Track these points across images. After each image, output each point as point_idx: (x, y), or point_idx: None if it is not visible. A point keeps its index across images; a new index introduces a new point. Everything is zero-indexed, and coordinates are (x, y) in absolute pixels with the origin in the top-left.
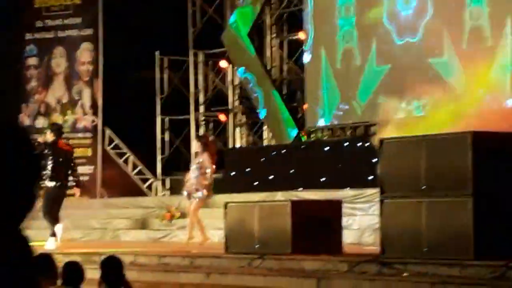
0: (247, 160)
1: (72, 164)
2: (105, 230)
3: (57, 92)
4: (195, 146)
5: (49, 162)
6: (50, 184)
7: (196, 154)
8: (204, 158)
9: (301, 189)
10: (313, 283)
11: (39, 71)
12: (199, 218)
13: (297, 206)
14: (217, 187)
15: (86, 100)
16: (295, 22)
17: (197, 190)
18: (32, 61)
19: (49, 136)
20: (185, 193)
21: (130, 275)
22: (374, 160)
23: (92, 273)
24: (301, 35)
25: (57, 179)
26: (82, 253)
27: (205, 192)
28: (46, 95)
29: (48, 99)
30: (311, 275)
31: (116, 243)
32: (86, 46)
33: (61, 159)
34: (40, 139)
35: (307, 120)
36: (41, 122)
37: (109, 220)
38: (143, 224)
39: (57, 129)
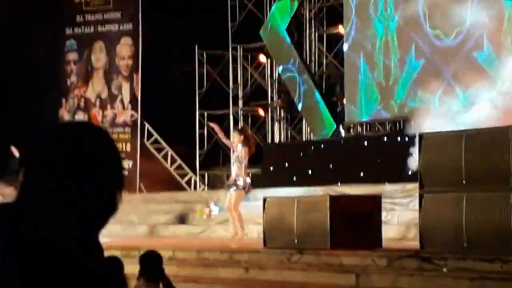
0: (286, 155)
1: None
2: (144, 225)
3: (96, 87)
4: (233, 138)
5: None
6: None
7: (233, 146)
8: (242, 151)
9: (339, 184)
10: (352, 278)
11: (79, 66)
12: (240, 212)
13: (336, 201)
14: (256, 182)
15: (126, 95)
16: (335, 15)
17: (236, 183)
18: (72, 56)
19: None
20: (230, 188)
21: (169, 269)
22: (413, 155)
23: (132, 268)
24: (340, 29)
25: None
26: (121, 248)
27: (244, 184)
28: (86, 90)
29: (88, 94)
30: (350, 270)
31: (155, 238)
32: (126, 41)
33: None
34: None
35: (346, 115)
36: (80, 117)
37: (148, 215)
38: (182, 219)
39: None
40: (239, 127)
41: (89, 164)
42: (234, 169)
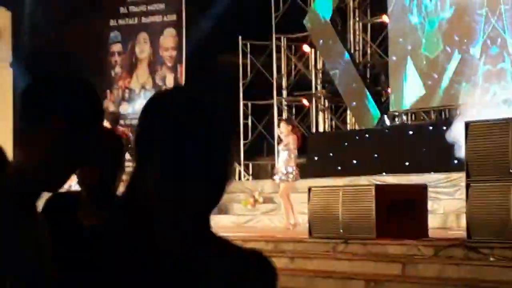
0: (331, 145)
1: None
2: None
3: (141, 78)
4: (281, 128)
5: None
6: None
7: (280, 137)
8: (290, 141)
9: (384, 173)
10: (398, 267)
11: (123, 57)
12: (291, 201)
13: (381, 190)
14: (301, 171)
15: (170, 85)
16: (379, 4)
17: (286, 173)
18: (116, 47)
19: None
20: (276, 177)
21: None
22: (459, 144)
23: None
24: (384, 18)
25: None
26: None
27: (294, 173)
28: (130, 81)
29: (132, 85)
30: (396, 260)
31: None
32: (169, 32)
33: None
34: None
35: (391, 104)
36: (125, 108)
37: None
38: (226, 209)
39: (113, 119)
40: (285, 117)
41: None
42: (281, 159)
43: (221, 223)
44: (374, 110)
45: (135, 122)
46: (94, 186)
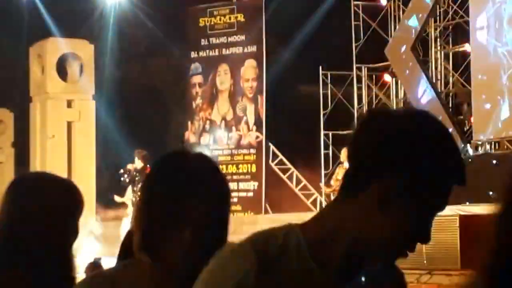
0: None
1: None
2: None
3: (221, 109)
4: (344, 156)
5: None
6: None
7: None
8: None
9: (468, 203)
10: None
11: (204, 88)
12: None
13: (466, 220)
14: None
15: (250, 116)
16: (461, 33)
17: None
18: (197, 79)
19: (138, 163)
20: None
21: None
22: None
23: None
24: (466, 47)
25: None
26: None
27: None
28: (211, 112)
29: (213, 116)
30: None
31: None
32: (250, 63)
33: None
34: (130, 166)
35: (474, 133)
36: (206, 139)
37: None
38: None
39: (143, 156)
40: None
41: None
42: None
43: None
44: (456, 140)
45: (215, 153)
46: None
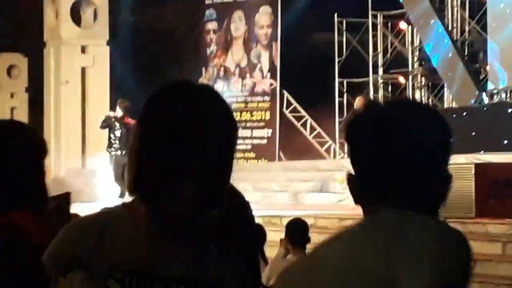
0: None
1: None
2: (285, 192)
3: (236, 56)
4: (359, 104)
5: (117, 134)
6: (117, 152)
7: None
8: None
9: (483, 152)
10: (498, 247)
11: (218, 35)
12: None
13: (481, 168)
14: None
15: (265, 63)
16: None
17: None
18: (212, 25)
19: (118, 112)
20: None
21: (311, 238)
22: None
23: (273, 235)
24: None
25: (122, 149)
26: (263, 216)
27: None
28: (225, 59)
29: (227, 63)
30: (496, 239)
31: (295, 206)
32: (265, 10)
33: (125, 132)
34: (111, 113)
35: (490, 82)
36: (220, 86)
37: (288, 183)
38: (322, 187)
39: (125, 107)
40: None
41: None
42: None
43: (317, 201)
44: (472, 88)
45: (229, 100)
46: None
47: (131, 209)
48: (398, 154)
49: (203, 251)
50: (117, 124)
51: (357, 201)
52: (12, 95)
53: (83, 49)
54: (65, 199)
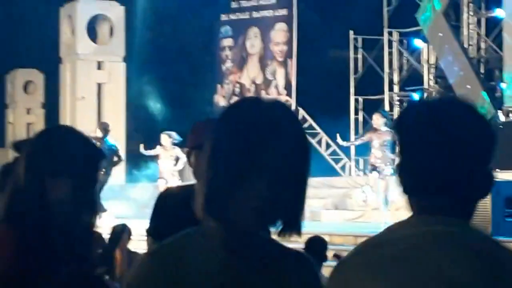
0: None
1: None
2: None
3: (251, 73)
4: (376, 122)
5: None
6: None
7: (375, 130)
8: (388, 135)
9: (498, 170)
10: None
11: (234, 52)
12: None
13: (497, 187)
14: None
15: (280, 80)
16: None
17: (381, 168)
18: (227, 42)
19: (98, 133)
20: (371, 168)
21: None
22: None
23: None
24: (499, 13)
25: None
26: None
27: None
28: (241, 76)
29: (243, 80)
30: None
31: (311, 223)
32: (280, 27)
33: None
34: (92, 134)
35: (505, 99)
36: None
37: None
38: (337, 205)
39: (104, 128)
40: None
41: None
42: (378, 153)
43: (333, 218)
44: (488, 106)
45: None
46: None
47: (203, 231)
48: (448, 148)
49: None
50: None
51: (405, 190)
52: (28, 111)
53: (99, 65)
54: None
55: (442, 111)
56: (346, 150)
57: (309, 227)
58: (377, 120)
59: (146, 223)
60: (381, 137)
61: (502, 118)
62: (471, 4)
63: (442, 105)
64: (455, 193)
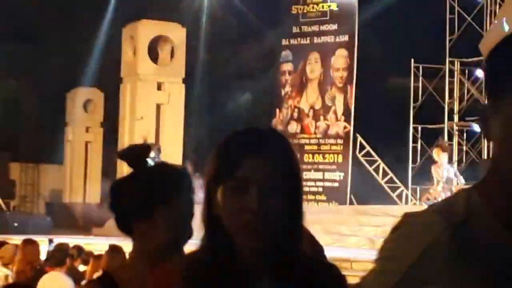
0: None
1: None
2: (355, 236)
3: (310, 98)
4: (437, 156)
5: None
6: None
7: (436, 163)
8: (452, 169)
9: None
10: None
11: (293, 76)
12: None
13: None
14: None
15: (339, 106)
16: None
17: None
18: (287, 66)
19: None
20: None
21: None
22: None
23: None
24: None
25: None
26: (332, 259)
27: None
28: (300, 101)
29: (301, 105)
30: None
31: (368, 251)
32: (341, 53)
33: None
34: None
35: None
36: (293, 128)
37: (359, 227)
38: None
39: (157, 149)
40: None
41: None
42: (440, 186)
43: None
44: None
45: (302, 141)
46: None
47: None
48: None
49: None
50: None
51: (488, 138)
52: (87, 130)
53: (159, 86)
54: None
55: None
56: (403, 178)
57: (366, 255)
58: (439, 154)
59: None
60: (438, 171)
61: None
62: None
63: None
64: None
